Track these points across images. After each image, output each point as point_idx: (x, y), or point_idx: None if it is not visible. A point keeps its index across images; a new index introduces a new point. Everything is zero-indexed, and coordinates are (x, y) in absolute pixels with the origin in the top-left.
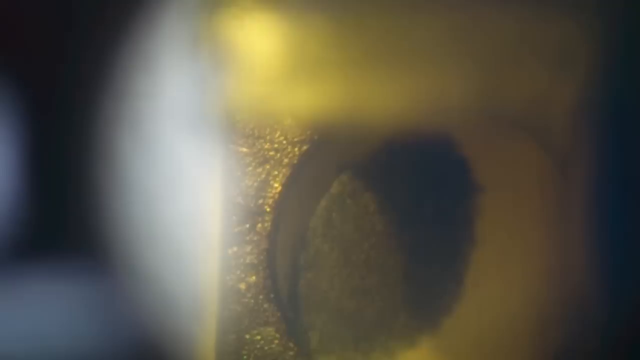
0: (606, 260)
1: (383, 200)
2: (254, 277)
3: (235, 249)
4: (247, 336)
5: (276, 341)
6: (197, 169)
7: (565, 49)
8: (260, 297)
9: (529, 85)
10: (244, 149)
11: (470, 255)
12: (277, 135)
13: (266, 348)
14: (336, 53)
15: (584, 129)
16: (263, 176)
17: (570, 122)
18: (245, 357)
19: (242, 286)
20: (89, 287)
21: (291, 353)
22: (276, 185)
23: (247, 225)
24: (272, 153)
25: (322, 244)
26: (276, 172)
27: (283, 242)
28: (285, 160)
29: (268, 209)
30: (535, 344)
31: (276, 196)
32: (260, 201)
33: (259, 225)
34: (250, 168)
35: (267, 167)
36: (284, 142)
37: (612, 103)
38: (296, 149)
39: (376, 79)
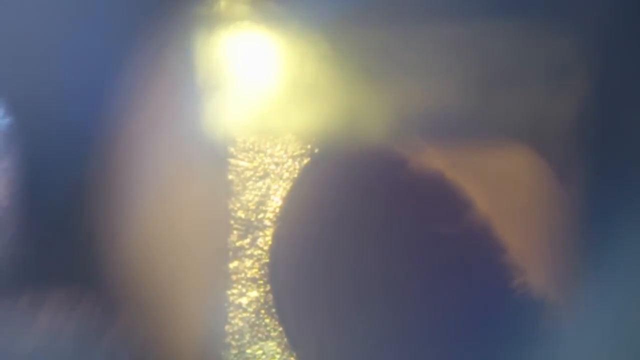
0: (605, 266)
1: (384, 214)
2: (255, 292)
3: (236, 263)
4: (249, 351)
5: (278, 356)
6: (197, 183)
7: (561, 63)
8: (262, 311)
9: (526, 98)
10: (244, 163)
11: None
12: (277, 149)
13: None
14: (335, 68)
15: (582, 141)
16: (263, 190)
17: (568, 135)
18: None
19: (244, 301)
20: (86, 305)
21: None
22: (277, 199)
23: (248, 240)
24: (272, 167)
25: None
26: (277, 186)
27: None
28: (286, 174)
29: (269, 223)
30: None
31: (277, 210)
32: (261, 215)
33: (260, 239)
34: (250, 182)
35: (268, 181)
36: (285, 156)
37: (609, 114)
38: (297, 163)
39: (375, 94)
